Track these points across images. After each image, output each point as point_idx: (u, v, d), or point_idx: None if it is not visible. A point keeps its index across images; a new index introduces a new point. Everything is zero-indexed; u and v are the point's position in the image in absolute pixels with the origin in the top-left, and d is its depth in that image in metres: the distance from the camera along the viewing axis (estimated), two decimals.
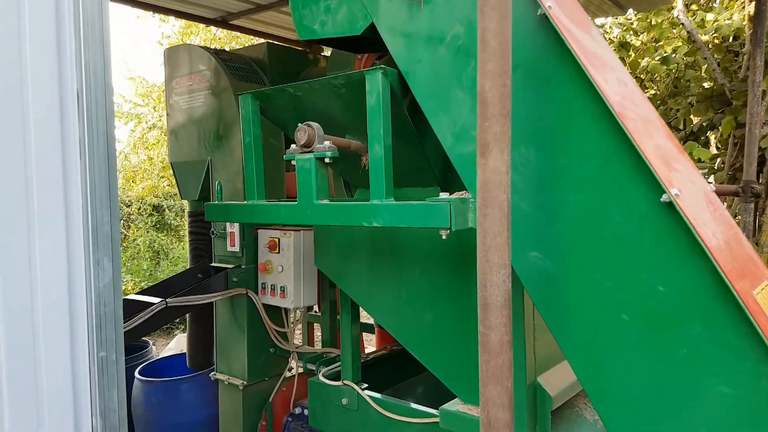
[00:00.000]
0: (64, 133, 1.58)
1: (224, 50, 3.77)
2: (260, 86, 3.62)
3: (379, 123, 1.79)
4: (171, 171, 12.69)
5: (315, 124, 1.95)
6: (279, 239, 3.39)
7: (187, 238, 4.13)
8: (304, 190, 1.96)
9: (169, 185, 12.64)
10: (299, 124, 1.96)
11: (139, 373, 4.12)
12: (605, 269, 1.49)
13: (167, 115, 3.92)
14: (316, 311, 4.35)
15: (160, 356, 6.60)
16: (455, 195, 1.69)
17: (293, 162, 2.03)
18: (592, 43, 1.61)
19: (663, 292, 1.42)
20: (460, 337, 2.21)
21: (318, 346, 5.70)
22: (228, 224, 3.55)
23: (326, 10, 1.96)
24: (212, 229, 3.69)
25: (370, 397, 2.70)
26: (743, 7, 5.67)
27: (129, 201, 11.47)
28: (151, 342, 4.83)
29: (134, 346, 4.76)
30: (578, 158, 1.51)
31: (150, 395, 3.95)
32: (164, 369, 4.39)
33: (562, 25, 1.52)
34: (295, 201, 2.02)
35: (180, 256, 10.09)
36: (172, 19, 12.28)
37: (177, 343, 6.82)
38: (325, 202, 1.96)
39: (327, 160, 1.94)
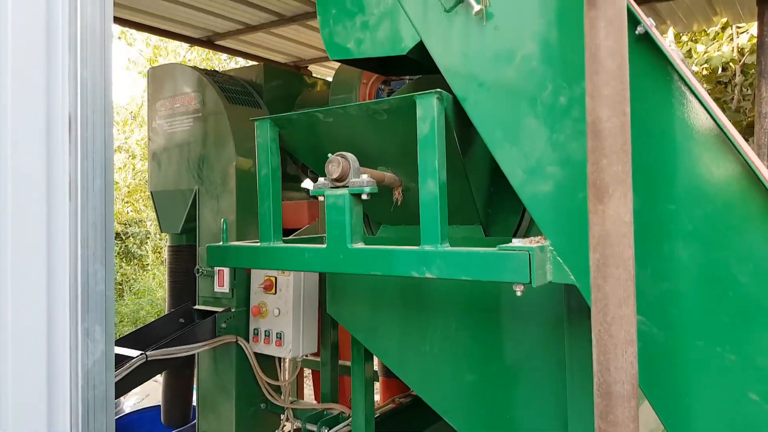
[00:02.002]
0: (50, 167, 1.24)
1: (215, 71, 3.46)
2: (255, 109, 3.32)
3: (434, 155, 1.51)
4: (136, 196, 12.08)
5: (350, 155, 1.65)
6: (276, 278, 3.05)
7: (166, 276, 3.72)
8: (335, 231, 1.65)
9: (133, 211, 12.06)
10: (330, 155, 1.67)
11: None
12: (727, 339, 1.23)
13: (149, 139, 3.57)
14: (306, 355, 3.97)
15: (125, 403, 6.05)
16: (531, 242, 1.41)
17: (320, 198, 1.72)
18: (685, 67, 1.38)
19: None
20: (510, 403, 1.91)
21: (309, 398, 5.27)
22: None
23: (363, 27, 1.69)
24: (197, 266, 3.32)
25: None
26: (731, 39, 5.71)
27: None
28: None
29: None
30: (690, 202, 1.26)
31: None
32: (136, 425, 3.92)
33: (663, 45, 1.28)
34: (323, 243, 1.71)
35: (146, 288, 9.49)
36: (138, 43, 11.87)
37: (143, 389, 6.26)
38: (361, 245, 1.66)
39: (364, 197, 1.64)
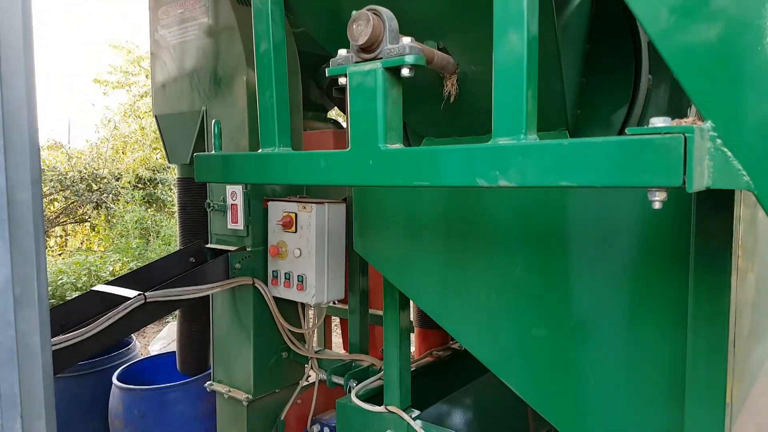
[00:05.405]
0: None
1: None
2: None
3: None
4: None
5: (385, 11, 1.12)
6: (296, 214, 2.59)
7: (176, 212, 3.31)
8: (362, 126, 1.14)
9: (162, 157, 11.85)
10: (355, 12, 1.13)
11: (118, 378, 3.36)
12: None
13: (151, 55, 3.08)
14: (335, 302, 3.55)
15: (150, 347, 5.86)
16: (679, 123, 0.88)
17: (341, 80, 1.21)
18: None
19: None
20: (591, 368, 1.42)
21: (338, 348, 4.90)
22: (229, 194, 2.73)
23: None
24: (208, 199, 2.88)
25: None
26: None
27: (119, 173, 10.69)
28: (134, 336, 4.03)
29: None
30: None
31: (131, 406, 3.19)
32: (150, 372, 3.63)
33: None
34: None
35: (172, 234, 9.31)
36: None
37: (170, 332, 6.06)
38: (399, 146, 1.15)
39: (405, 72, 1.11)
